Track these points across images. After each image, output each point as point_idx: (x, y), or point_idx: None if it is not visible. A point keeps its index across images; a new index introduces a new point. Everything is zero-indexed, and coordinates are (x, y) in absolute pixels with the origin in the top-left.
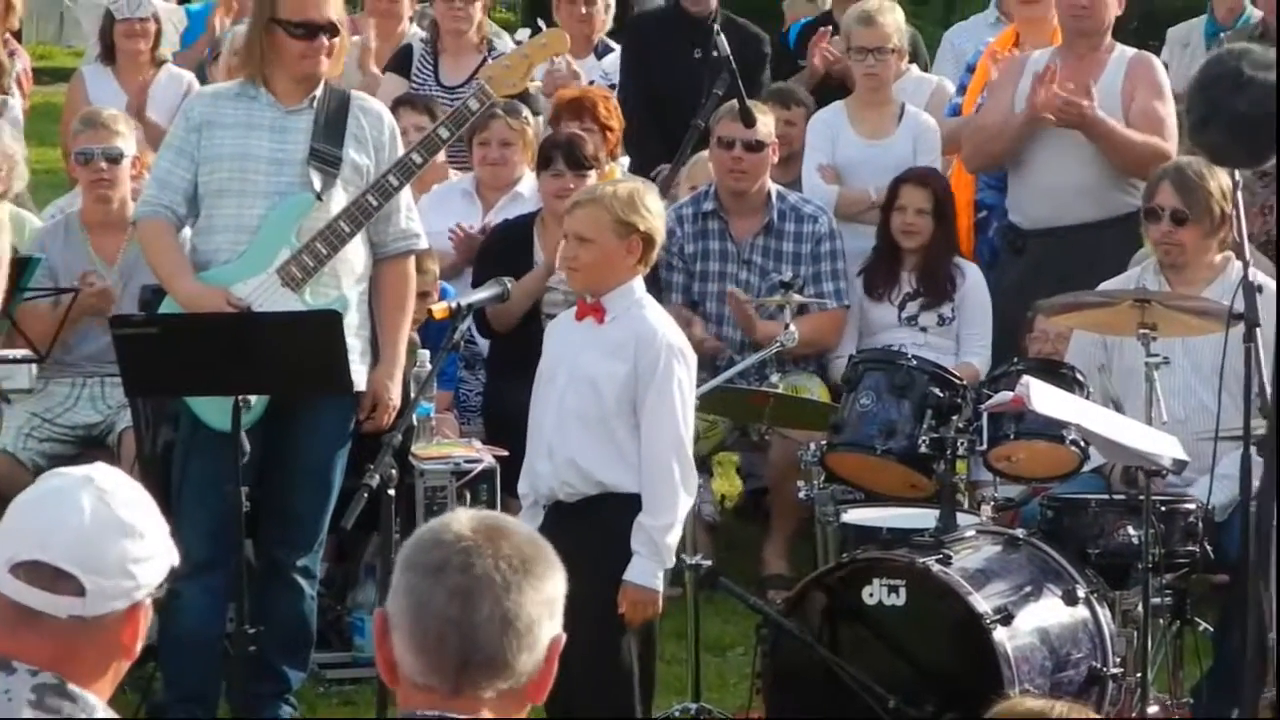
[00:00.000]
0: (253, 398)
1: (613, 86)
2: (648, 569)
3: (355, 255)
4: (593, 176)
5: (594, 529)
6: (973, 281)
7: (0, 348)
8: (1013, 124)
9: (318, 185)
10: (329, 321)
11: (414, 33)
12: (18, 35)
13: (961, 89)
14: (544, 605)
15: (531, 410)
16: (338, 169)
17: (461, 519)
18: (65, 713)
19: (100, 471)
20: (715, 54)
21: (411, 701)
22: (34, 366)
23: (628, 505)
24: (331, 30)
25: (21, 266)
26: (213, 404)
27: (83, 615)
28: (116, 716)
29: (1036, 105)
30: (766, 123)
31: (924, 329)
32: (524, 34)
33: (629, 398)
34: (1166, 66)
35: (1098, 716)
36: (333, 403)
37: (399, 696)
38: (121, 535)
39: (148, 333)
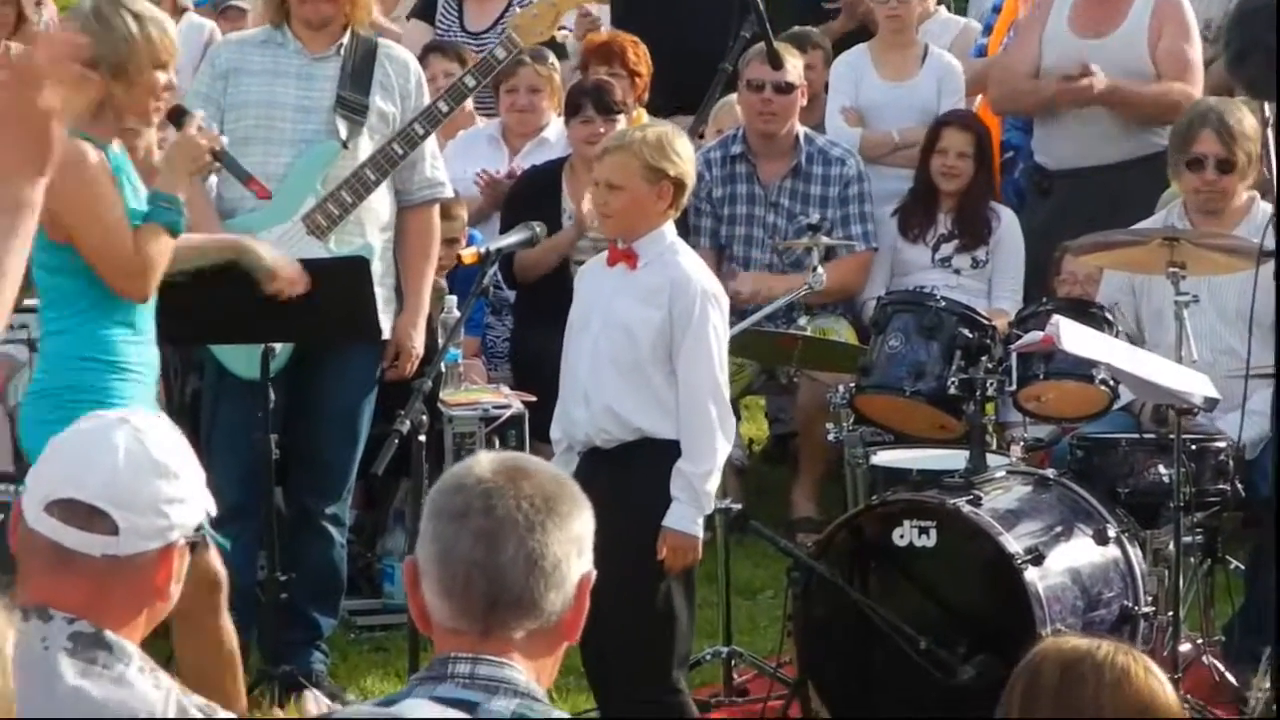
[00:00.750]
0: (278, 345)
1: None
2: (687, 515)
3: (380, 203)
4: (622, 121)
5: (633, 475)
6: (1008, 226)
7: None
8: (1042, 93)
9: (344, 133)
10: (357, 268)
11: None
12: None
13: (988, 29)
14: (570, 543)
15: (565, 356)
16: (364, 117)
17: (483, 462)
18: (101, 661)
19: (136, 414)
20: None
21: (445, 646)
22: None
23: (665, 451)
24: None
25: None
26: (238, 352)
27: (116, 554)
28: (151, 664)
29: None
30: (795, 65)
31: (957, 270)
32: None
33: (664, 344)
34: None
35: (1142, 656)
36: (358, 350)
37: (434, 641)
38: (155, 475)
39: (178, 281)
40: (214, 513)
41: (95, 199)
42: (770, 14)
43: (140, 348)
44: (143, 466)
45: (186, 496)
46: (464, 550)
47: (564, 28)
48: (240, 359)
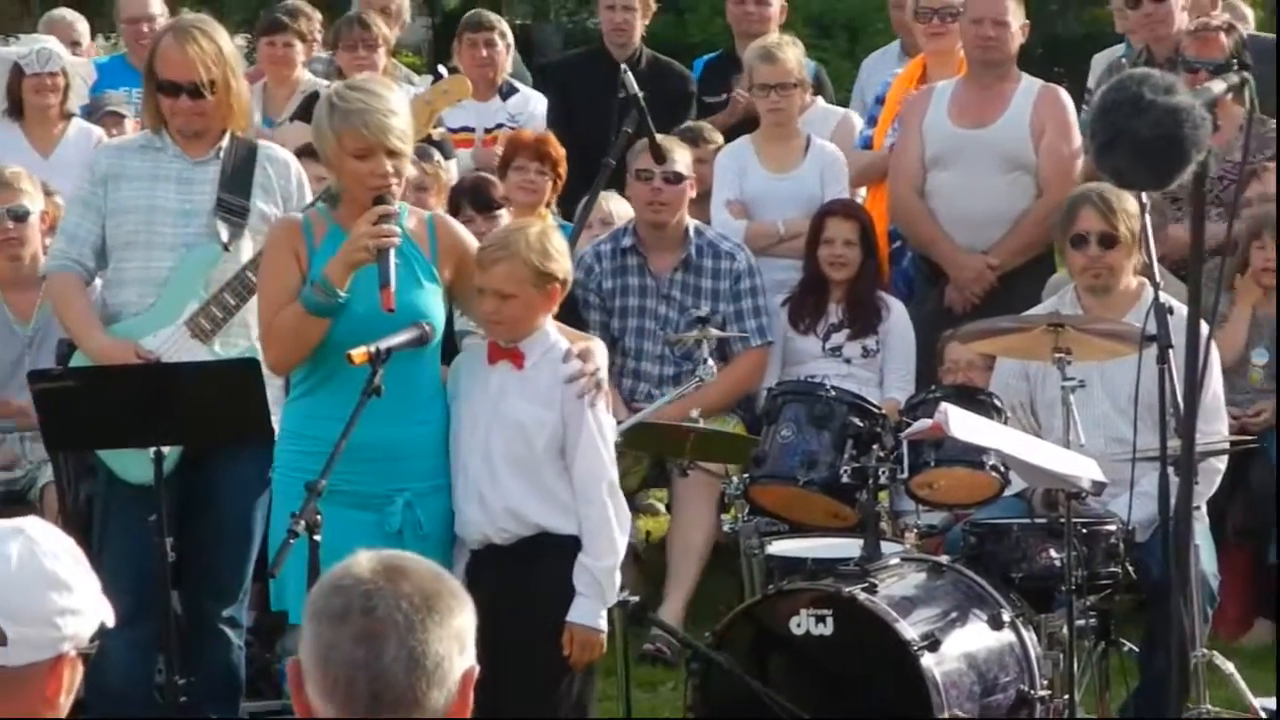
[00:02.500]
0: (166, 449)
1: (515, 129)
2: (592, 609)
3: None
4: (503, 217)
5: (533, 571)
6: (897, 316)
7: None
8: (932, 239)
9: (224, 236)
10: (247, 369)
11: (309, 79)
12: None
13: (872, 121)
14: (452, 640)
15: (453, 453)
16: (245, 219)
17: (362, 562)
18: None
19: (31, 524)
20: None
21: None
22: None
23: (563, 546)
24: (194, 91)
25: None
26: (127, 457)
27: (5, 665)
28: None
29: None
30: (684, 157)
31: (848, 360)
32: (427, 81)
33: (558, 442)
34: (1091, 93)
35: None
36: (249, 451)
37: None
38: (48, 586)
39: (66, 386)
40: (111, 622)
41: (259, 272)
42: (654, 110)
43: (317, 423)
44: (35, 578)
45: (80, 608)
46: (345, 652)
47: (441, 125)
48: (130, 464)
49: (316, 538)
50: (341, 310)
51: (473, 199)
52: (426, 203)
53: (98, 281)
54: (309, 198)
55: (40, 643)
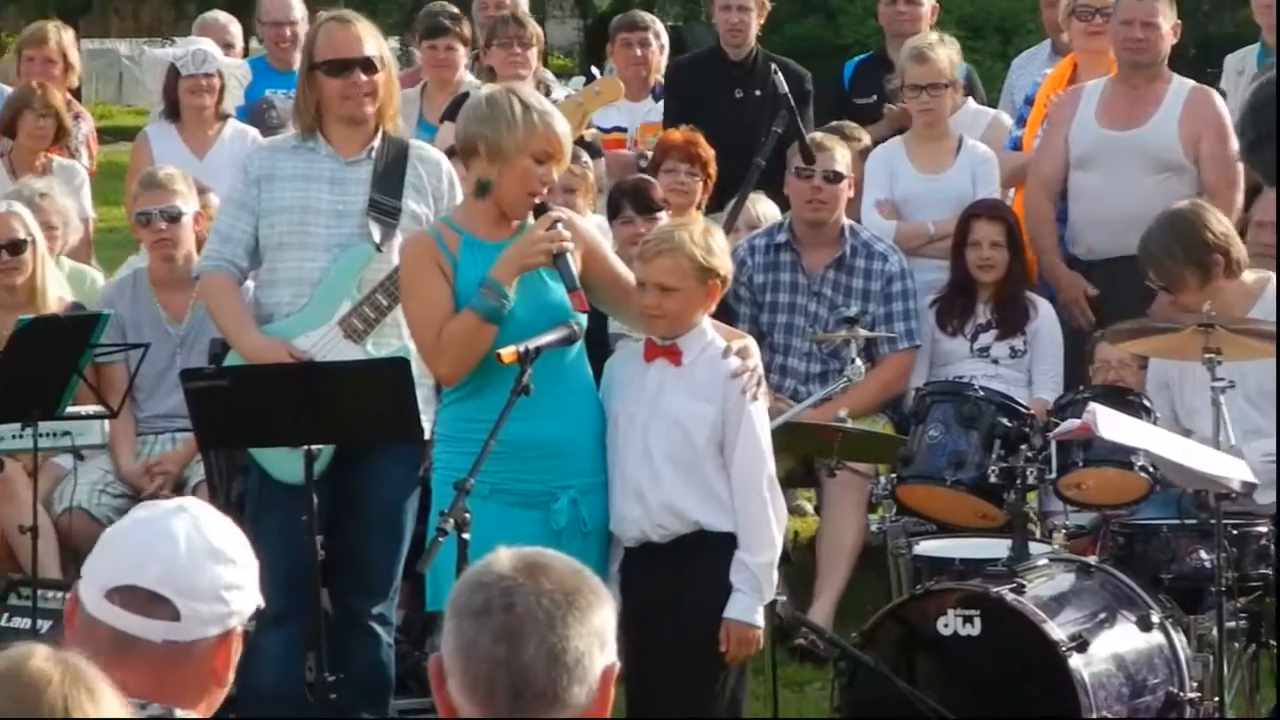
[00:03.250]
0: (319, 446)
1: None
2: (750, 605)
3: None
4: (663, 218)
5: (691, 569)
6: (1045, 315)
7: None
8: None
9: (377, 236)
10: (398, 369)
11: (470, 81)
12: (78, 96)
13: (1021, 121)
14: (592, 636)
15: (611, 452)
16: (397, 219)
17: (503, 559)
18: None
19: (192, 502)
20: (758, 92)
21: None
22: (106, 422)
23: (721, 543)
24: (367, 65)
25: (90, 323)
26: (280, 456)
27: (178, 640)
28: None
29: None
30: (843, 156)
31: (995, 360)
32: (579, 82)
33: (717, 438)
34: (1224, 95)
35: None
36: (400, 450)
37: None
38: (215, 561)
39: (219, 385)
40: (263, 605)
41: (405, 290)
42: (771, 109)
43: (473, 425)
44: (202, 552)
45: (244, 583)
46: (485, 648)
47: (593, 127)
48: (283, 463)
49: (465, 536)
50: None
51: (634, 200)
52: (575, 204)
53: (249, 282)
54: (459, 198)
55: (210, 618)
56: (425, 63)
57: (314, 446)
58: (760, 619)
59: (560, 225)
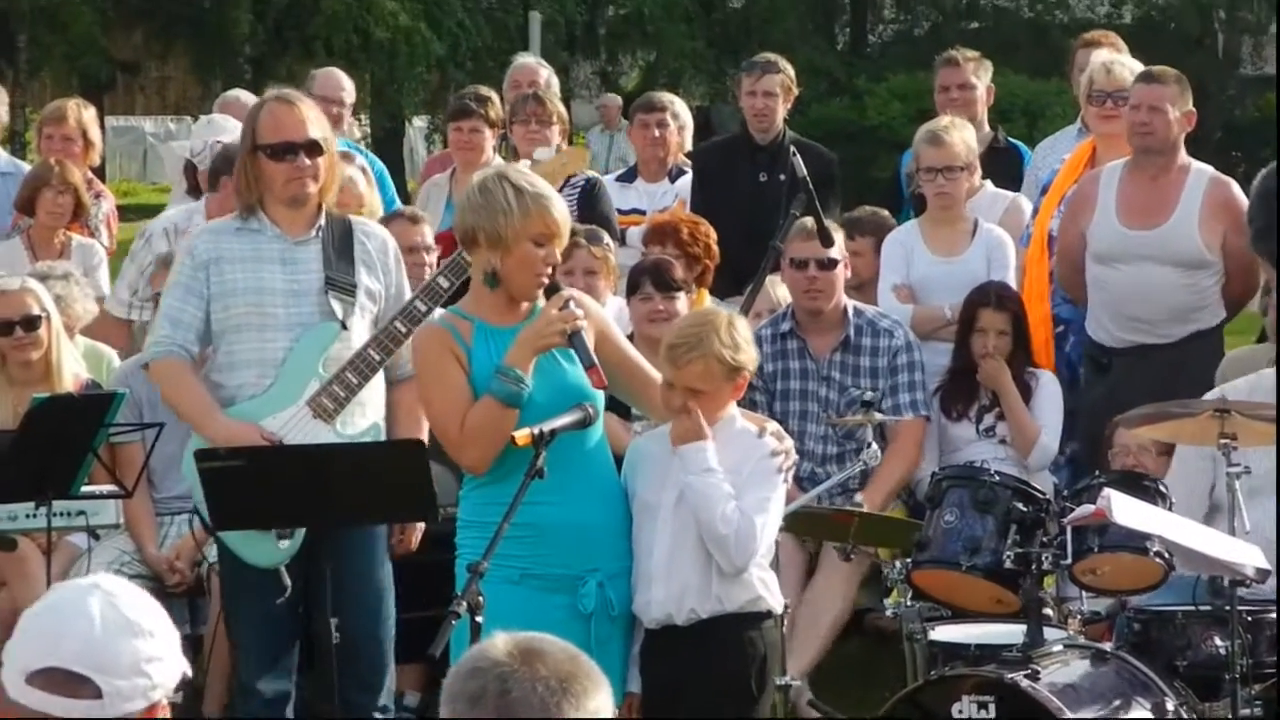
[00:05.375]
0: (290, 531)
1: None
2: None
3: (377, 381)
4: (681, 298)
5: (712, 652)
6: (1045, 383)
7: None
8: None
9: (340, 313)
10: (413, 449)
11: (496, 162)
12: (100, 174)
13: (1035, 210)
14: None
15: (635, 537)
16: (354, 295)
17: (499, 644)
18: None
19: (104, 578)
20: (783, 176)
21: None
22: (120, 502)
23: (745, 624)
24: (311, 148)
25: (106, 402)
26: (251, 539)
27: (102, 718)
28: None
29: None
30: (838, 240)
31: (1003, 440)
32: (543, 153)
33: None
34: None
35: None
36: (369, 531)
37: None
38: (131, 635)
39: (233, 465)
40: (189, 673)
41: (424, 383)
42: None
43: (496, 509)
44: (118, 627)
45: (164, 655)
46: None
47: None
48: (253, 547)
49: (479, 619)
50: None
51: (653, 277)
52: (596, 286)
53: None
54: (404, 271)
55: (132, 692)
56: (452, 145)
57: (285, 531)
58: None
59: (572, 304)
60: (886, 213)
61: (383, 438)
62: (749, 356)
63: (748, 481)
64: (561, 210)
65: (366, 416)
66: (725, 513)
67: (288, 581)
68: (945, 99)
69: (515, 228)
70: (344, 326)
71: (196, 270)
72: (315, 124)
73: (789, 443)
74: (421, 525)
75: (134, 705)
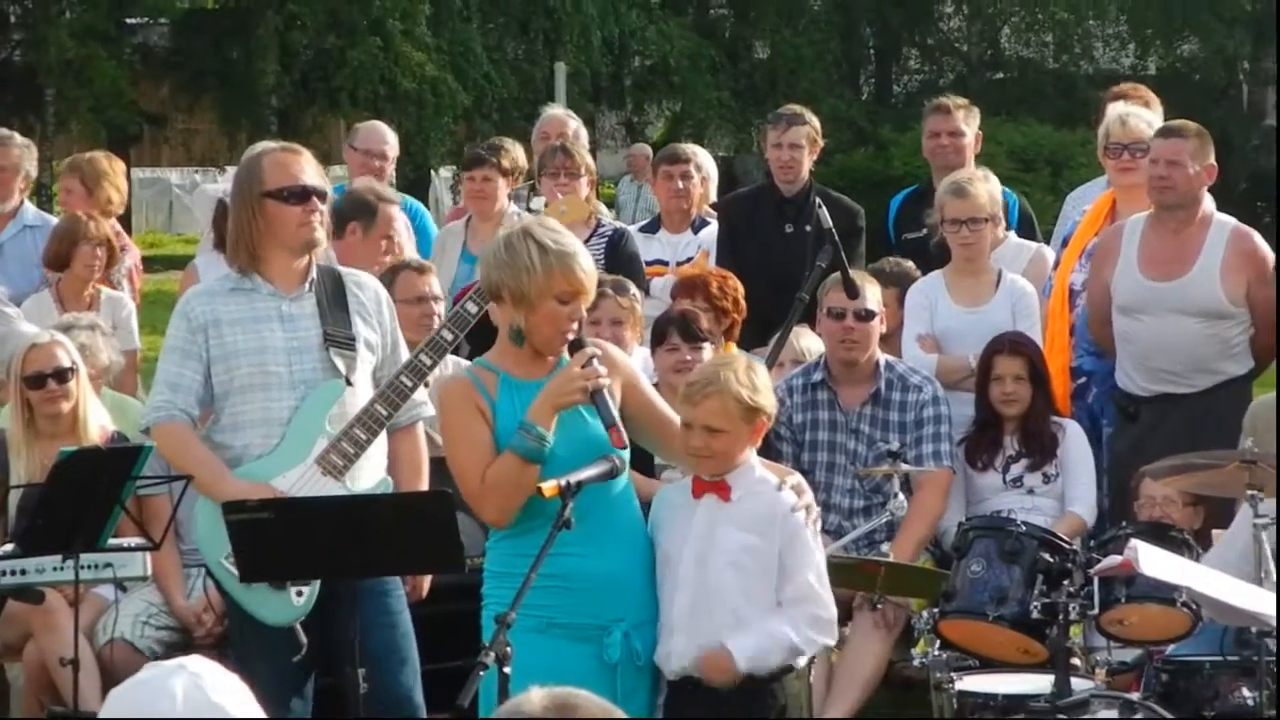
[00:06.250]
0: (305, 588)
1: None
2: (757, 646)
3: (380, 436)
4: (707, 350)
5: (735, 706)
6: (1073, 435)
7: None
8: None
9: (343, 369)
10: (441, 500)
11: (513, 212)
12: (127, 226)
13: (1057, 262)
14: None
15: (660, 588)
16: (354, 349)
17: (534, 699)
18: None
19: (193, 660)
20: (809, 227)
21: None
22: (148, 554)
23: (766, 680)
24: (321, 195)
25: (133, 455)
26: (263, 596)
27: None
28: None
29: None
30: (874, 293)
31: (1030, 490)
32: (538, 203)
33: (771, 571)
34: None
35: None
36: (383, 581)
37: None
38: (213, 716)
39: (261, 517)
40: None
41: (447, 437)
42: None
43: (522, 560)
44: (201, 709)
45: None
46: None
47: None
48: (266, 604)
49: (506, 670)
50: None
51: (680, 328)
52: (623, 336)
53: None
54: (396, 319)
55: None
56: (465, 195)
57: (300, 587)
58: (745, 664)
59: (596, 361)
60: (910, 263)
61: (391, 489)
62: (767, 400)
63: (787, 551)
64: (587, 266)
65: (374, 471)
66: (794, 645)
67: (303, 639)
68: (934, 145)
69: (539, 285)
70: (349, 382)
71: (194, 333)
72: (319, 174)
73: (809, 496)
74: (429, 576)
75: None
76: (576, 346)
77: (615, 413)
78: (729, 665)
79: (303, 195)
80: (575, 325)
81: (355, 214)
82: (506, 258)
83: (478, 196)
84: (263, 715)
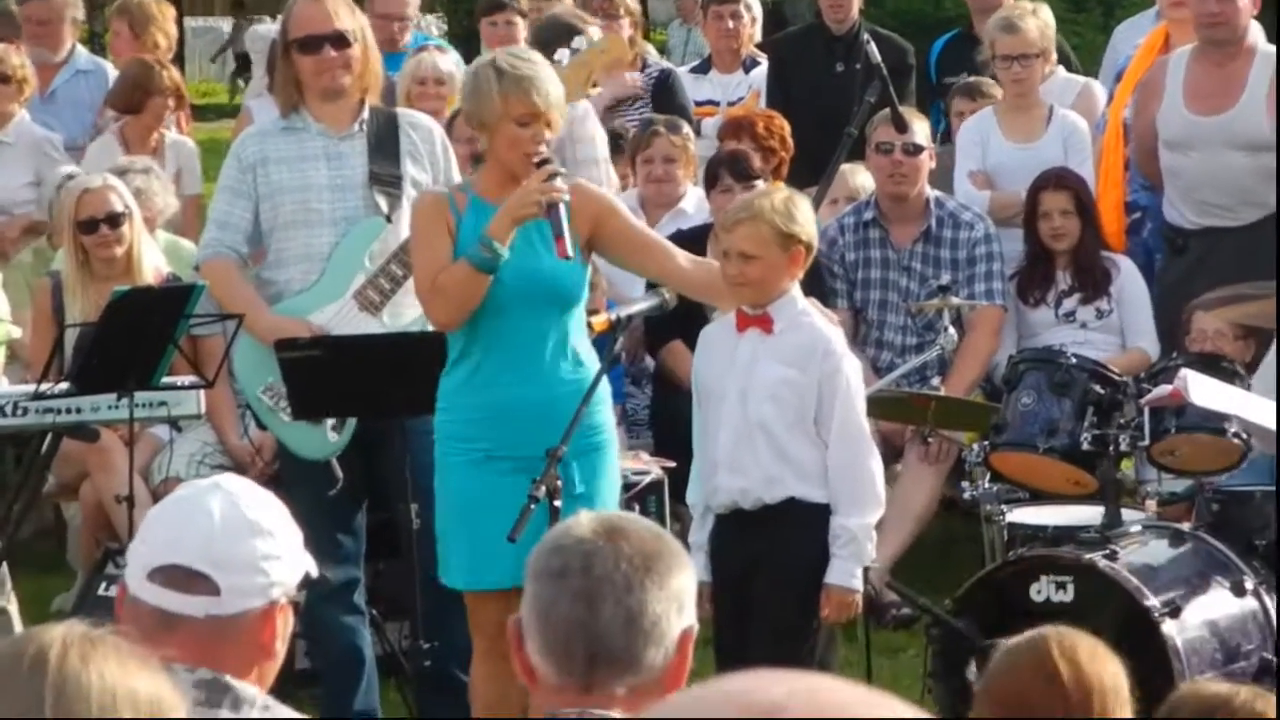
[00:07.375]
0: (340, 425)
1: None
2: (849, 569)
3: None
4: (759, 188)
5: (782, 536)
6: (1127, 272)
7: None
8: None
9: (385, 207)
10: None
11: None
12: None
13: (1110, 96)
14: (670, 600)
15: (701, 424)
16: (400, 188)
17: (583, 523)
18: (228, 704)
19: (228, 479)
20: (859, 65)
21: (550, 702)
22: (202, 393)
23: (810, 513)
24: (338, 40)
25: (186, 294)
26: (303, 432)
27: (220, 614)
28: (276, 702)
29: None
30: (923, 128)
31: (1083, 325)
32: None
33: (810, 405)
34: None
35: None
36: (424, 422)
37: (536, 699)
38: (251, 534)
39: (312, 355)
40: (315, 573)
41: (412, 242)
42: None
43: (476, 390)
44: (238, 525)
45: (283, 554)
46: (563, 610)
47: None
48: (304, 439)
49: (557, 503)
50: (499, 270)
51: (731, 168)
52: (675, 174)
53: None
54: (454, 161)
55: (250, 590)
56: (485, 40)
57: (337, 422)
58: (859, 583)
59: (559, 179)
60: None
61: (429, 327)
62: (804, 230)
63: (828, 416)
64: (547, 90)
65: (413, 307)
66: (869, 551)
67: (339, 473)
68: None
69: (496, 109)
70: (389, 220)
71: (243, 173)
72: (344, 17)
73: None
74: None
75: (252, 602)
76: (541, 164)
77: (565, 226)
78: (853, 598)
79: (316, 43)
80: (538, 148)
81: None
82: (470, 85)
83: (500, 40)
84: (296, 530)
